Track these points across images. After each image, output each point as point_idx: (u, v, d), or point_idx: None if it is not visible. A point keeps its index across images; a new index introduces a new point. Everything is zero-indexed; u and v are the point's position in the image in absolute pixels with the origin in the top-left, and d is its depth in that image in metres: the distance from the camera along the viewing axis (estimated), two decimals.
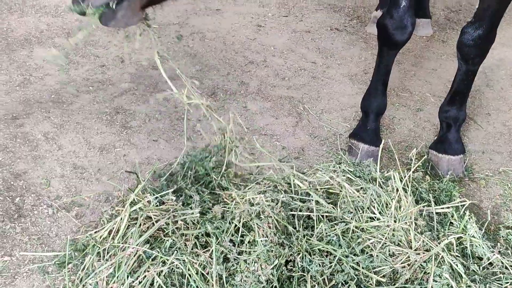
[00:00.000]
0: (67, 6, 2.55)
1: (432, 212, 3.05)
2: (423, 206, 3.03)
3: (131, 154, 3.62)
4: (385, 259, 2.73)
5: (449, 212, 3.08)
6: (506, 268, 2.85)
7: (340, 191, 3.05)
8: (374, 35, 4.06)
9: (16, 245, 2.91)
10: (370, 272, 2.66)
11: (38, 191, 3.26)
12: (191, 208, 2.83)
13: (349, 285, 2.61)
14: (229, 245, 2.67)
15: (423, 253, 2.74)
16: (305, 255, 2.68)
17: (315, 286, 2.59)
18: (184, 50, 4.83)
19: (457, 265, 2.72)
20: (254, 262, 2.59)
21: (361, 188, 3.06)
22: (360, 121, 3.88)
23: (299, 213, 2.91)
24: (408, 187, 3.04)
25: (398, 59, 4.96)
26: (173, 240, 2.68)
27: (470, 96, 4.22)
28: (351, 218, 2.88)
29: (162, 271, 2.54)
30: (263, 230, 2.70)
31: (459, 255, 2.84)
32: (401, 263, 2.71)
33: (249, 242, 2.69)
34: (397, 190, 3.00)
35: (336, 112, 4.25)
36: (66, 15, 5.13)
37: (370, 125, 3.79)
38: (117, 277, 2.51)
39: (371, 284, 2.64)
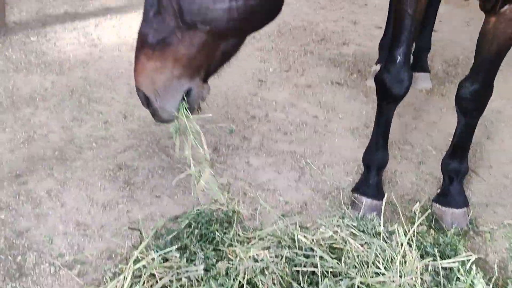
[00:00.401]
0: (159, 120, 2.79)
1: (438, 267, 3.01)
2: (429, 261, 3.00)
3: (134, 211, 3.61)
4: None
5: (455, 267, 3.05)
6: None
7: (344, 246, 3.03)
8: (374, 89, 4.13)
9: None
10: None
11: (40, 249, 3.24)
12: (195, 265, 2.81)
13: None
14: None
15: None
16: None
17: None
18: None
19: None
20: None
21: (365, 243, 3.04)
22: (363, 175, 3.88)
23: (304, 269, 2.88)
24: (412, 241, 3.02)
25: (398, 112, 5.01)
26: None
27: (471, 148, 4.24)
28: (356, 274, 2.85)
29: None
30: (267, 287, 2.67)
31: None
32: None
33: None
34: (402, 244, 2.98)
35: (338, 166, 4.26)
36: (71, 73, 5.22)
37: (372, 179, 3.80)
38: None
39: None
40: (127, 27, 6.25)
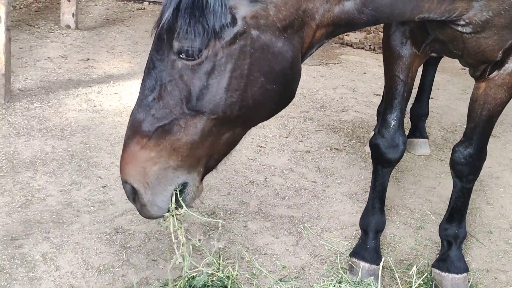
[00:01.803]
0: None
1: None
2: None
3: (129, 274, 3.57)
4: None
5: None
6: None
7: None
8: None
9: None
10: None
11: None
12: None
13: None
14: None
15: None
16: None
17: None
18: None
19: None
20: None
21: None
22: (360, 240, 3.86)
23: None
24: None
25: (397, 177, 5.03)
26: None
27: (471, 214, 4.23)
28: None
29: None
30: None
31: None
32: None
33: None
34: None
35: (336, 231, 4.24)
36: (72, 138, 5.27)
37: (370, 243, 3.77)
38: None
39: None
40: (128, 93, 6.35)
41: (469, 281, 3.76)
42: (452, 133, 6.07)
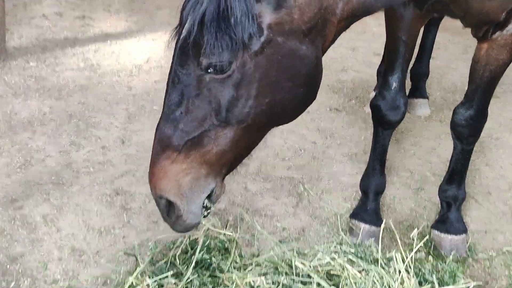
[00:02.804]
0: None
1: None
2: None
3: (130, 236, 3.58)
4: None
5: None
6: None
7: (342, 272, 2.99)
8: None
9: None
10: None
11: (34, 275, 3.20)
12: None
13: None
14: None
15: None
16: None
17: None
18: None
19: None
20: None
21: (363, 269, 3.00)
22: (360, 201, 3.86)
23: None
24: (410, 268, 2.98)
25: (397, 138, 5.01)
26: None
27: (470, 175, 4.22)
28: None
29: None
30: None
31: None
32: None
33: None
34: (400, 271, 2.94)
35: (336, 192, 4.24)
36: (69, 98, 5.22)
37: (370, 204, 3.78)
38: None
39: None
40: (126, 53, 6.27)
41: (467, 242, 3.79)
42: (452, 93, 6.03)
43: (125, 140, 4.66)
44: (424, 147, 4.98)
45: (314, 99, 2.62)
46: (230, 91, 2.31)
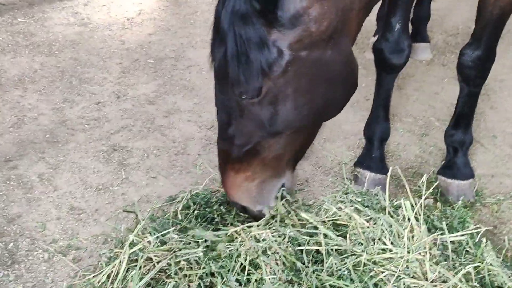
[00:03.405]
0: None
1: (446, 241, 2.89)
2: (437, 235, 2.88)
3: (129, 193, 3.49)
4: None
5: (464, 240, 2.93)
6: None
7: (349, 222, 2.90)
8: (373, 61, 4.01)
9: None
10: None
11: (33, 235, 3.12)
12: (195, 245, 2.69)
13: None
14: (235, 284, 2.51)
15: (440, 284, 2.58)
16: None
17: None
18: (182, 83, 4.74)
19: None
20: None
21: (371, 218, 2.91)
22: (365, 149, 3.76)
23: (307, 247, 2.75)
24: (419, 215, 2.90)
25: (399, 84, 4.88)
26: (176, 281, 2.52)
27: (475, 119, 4.10)
28: (362, 251, 2.73)
29: None
30: (270, 267, 2.55)
31: (477, 285, 2.68)
32: None
33: (256, 280, 2.53)
34: (409, 219, 2.86)
35: (339, 140, 4.14)
36: (60, 53, 5.06)
37: (375, 152, 3.67)
38: None
39: None
40: (117, 5, 6.07)
41: (474, 187, 3.71)
42: (454, 36, 5.86)
43: (120, 95, 4.53)
44: (427, 92, 4.86)
45: (355, 89, 2.74)
46: (269, 110, 2.47)
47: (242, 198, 2.68)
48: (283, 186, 2.78)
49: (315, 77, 2.47)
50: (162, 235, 2.75)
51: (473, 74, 3.44)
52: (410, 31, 5.37)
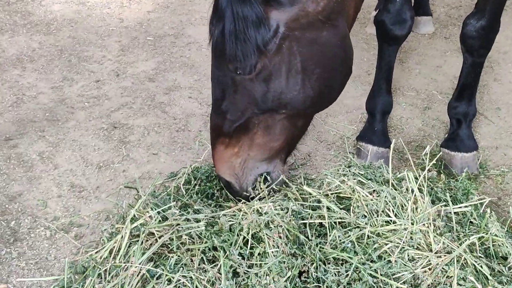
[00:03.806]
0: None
1: (450, 212, 2.87)
2: (441, 206, 2.85)
3: (130, 170, 3.47)
4: (405, 264, 2.54)
5: (468, 211, 2.91)
6: None
7: (352, 195, 2.88)
8: (374, 36, 3.95)
9: (13, 271, 2.76)
10: (390, 279, 2.48)
11: (34, 213, 3.10)
12: (196, 221, 2.67)
13: None
14: (238, 258, 2.49)
15: (445, 255, 2.56)
16: (319, 265, 2.51)
17: None
18: (181, 60, 4.69)
19: (481, 266, 2.55)
20: (266, 275, 2.42)
21: (374, 191, 2.88)
22: (367, 123, 3.72)
23: (311, 221, 2.73)
24: (423, 187, 2.87)
25: (401, 58, 4.83)
26: (178, 256, 2.51)
27: (478, 91, 4.07)
28: (366, 223, 2.70)
29: None
30: (273, 241, 2.53)
31: (482, 256, 2.67)
32: (422, 268, 2.53)
33: (259, 254, 2.52)
34: (412, 190, 2.83)
35: (341, 115, 4.10)
36: (59, 32, 5.01)
37: (377, 125, 3.64)
38: None
39: None
40: None
41: (478, 159, 3.68)
42: (457, 9, 5.79)
43: (120, 73, 4.49)
44: (429, 66, 4.80)
45: (349, 76, 2.76)
46: (262, 86, 2.50)
47: (226, 173, 2.72)
48: (268, 175, 2.79)
49: (309, 58, 2.48)
50: (163, 210, 2.73)
51: (477, 44, 3.39)
52: (413, 4, 5.32)
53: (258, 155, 2.71)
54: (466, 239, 2.67)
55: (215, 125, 2.68)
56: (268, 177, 2.80)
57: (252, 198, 2.78)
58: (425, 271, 2.52)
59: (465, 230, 2.82)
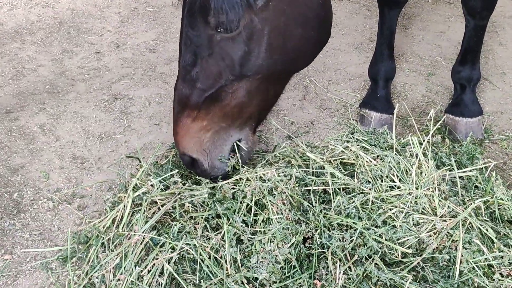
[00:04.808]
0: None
1: (455, 177, 2.85)
2: (446, 170, 2.83)
3: (132, 140, 3.44)
4: (409, 229, 2.52)
5: (473, 176, 2.89)
6: None
7: (356, 160, 2.85)
8: (376, 2, 3.90)
9: (17, 242, 2.75)
10: (395, 244, 2.46)
11: (37, 185, 3.09)
12: (198, 189, 2.65)
13: (373, 259, 2.42)
14: (241, 225, 2.48)
15: (450, 219, 2.54)
16: (324, 231, 2.49)
17: (336, 262, 2.41)
18: None
19: (487, 229, 2.53)
20: (270, 242, 2.40)
21: (378, 156, 2.86)
22: (370, 89, 3.68)
23: (314, 187, 2.71)
24: (428, 151, 2.84)
25: (404, 24, 4.77)
26: (182, 224, 2.50)
27: (483, 56, 4.01)
28: (370, 189, 2.68)
29: (172, 257, 2.37)
30: (277, 207, 2.52)
31: (487, 219, 2.65)
32: (427, 232, 2.51)
33: (263, 221, 2.50)
34: (417, 155, 2.80)
35: (344, 82, 4.05)
36: (57, 4, 4.96)
37: (380, 92, 3.60)
38: (124, 268, 2.35)
39: (396, 256, 2.44)
40: None
41: (483, 124, 3.64)
42: None
43: (120, 44, 4.44)
44: (432, 31, 4.74)
45: (327, 40, 2.68)
46: (242, 47, 2.37)
47: (193, 149, 2.54)
48: (239, 145, 2.67)
49: (292, 17, 2.40)
50: (165, 179, 2.71)
51: (479, 5, 3.32)
52: None
53: (229, 124, 2.55)
54: (471, 203, 2.65)
55: (182, 96, 2.49)
56: (241, 145, 2.67)
57: (223, 177, 2.66)
58: (430, 236, 2.50)
59: (470, 194, 2.80)
